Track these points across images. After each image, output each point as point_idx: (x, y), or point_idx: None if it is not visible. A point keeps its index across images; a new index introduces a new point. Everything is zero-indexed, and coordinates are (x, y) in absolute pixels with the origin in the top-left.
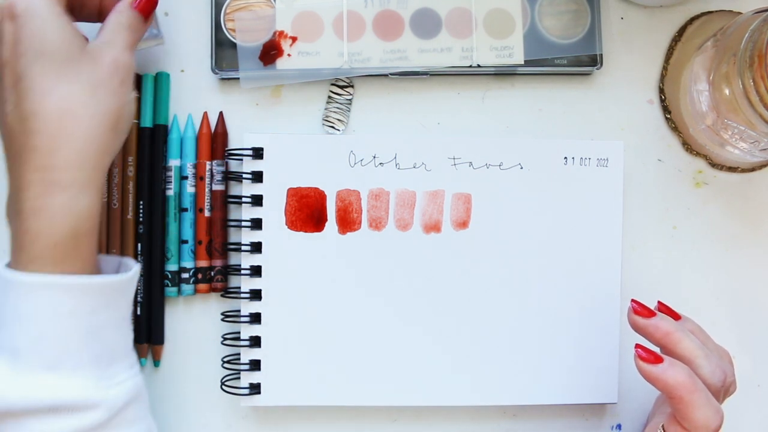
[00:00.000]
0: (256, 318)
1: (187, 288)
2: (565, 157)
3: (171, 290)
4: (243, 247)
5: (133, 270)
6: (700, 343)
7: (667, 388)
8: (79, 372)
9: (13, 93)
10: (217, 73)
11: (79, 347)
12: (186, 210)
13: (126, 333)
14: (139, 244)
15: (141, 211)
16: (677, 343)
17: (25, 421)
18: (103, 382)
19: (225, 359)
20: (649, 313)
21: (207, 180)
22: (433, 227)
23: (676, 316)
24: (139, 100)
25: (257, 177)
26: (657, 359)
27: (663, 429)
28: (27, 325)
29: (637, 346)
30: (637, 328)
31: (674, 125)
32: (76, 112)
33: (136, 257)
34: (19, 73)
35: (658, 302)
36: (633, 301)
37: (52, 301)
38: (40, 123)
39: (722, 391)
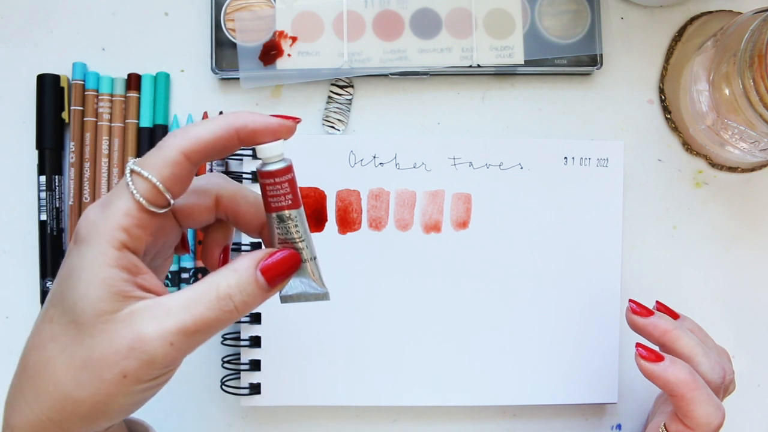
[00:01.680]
0: (256, 318)
1: None
2: (565, 157)
3: (171, 290)
4: (243, 248)
5: None
6: (699, 341)
7: (668, 386)
8: None
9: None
10: (217, 73)
11: None
12: None
13: None
14: None
15: None
16: (676, 341)
17: None
18: None
19: (225, 359)
20: (647, 313)
21: None
22: (433, 227)
23: (674, 315)
24: (138, 100)
25: (257, 177)
26: (658, 357)
27: (665, 427)
28: None
29: (638, 345)
30: (635, 328)
31: (674, 125)
32: (47, 381)
33: None
34: (47, 303)
35: (657, 302)
36: (631, 301)
37: None
38: (23, 370)
39: (722, 388)
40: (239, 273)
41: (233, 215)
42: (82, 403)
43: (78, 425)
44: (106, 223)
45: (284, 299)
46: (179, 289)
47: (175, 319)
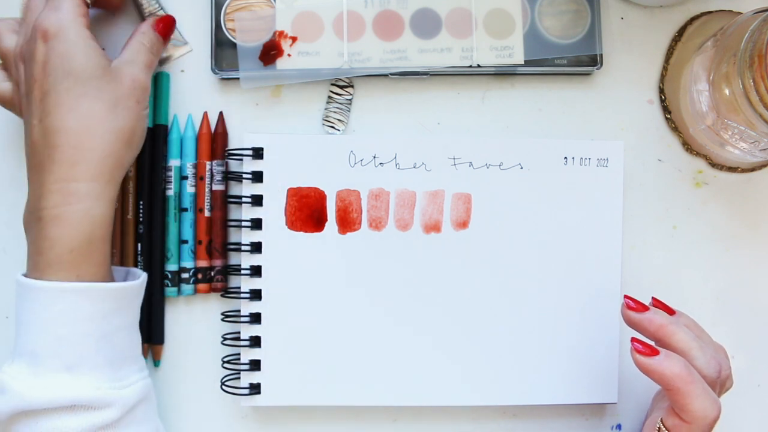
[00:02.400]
0: (256, 318)
1: (187, 288)
2: (565, 157)
3: (171, 290)
4: (243, 247)
5: (141, 278)
6: (694, 336)
7: (664, 380)
8: (95, 373)
9: (39, 108)
10: (217, 73)
11: (95, 350)
12: (186, 210)
13: (136, 338)
14: (139, 244)
15: (141, 211)
16: (671, 336)
17: (43, 419)
18: (116, 383)
19: (225, 359)
20: (642, 308)
21: (207, 180)
22: (433, 227)
23: (670, 311)
24: None
25: (257, 177)
26: (653, 351)
27: (662, 422)
28: (47, 329)
29: (633, 339)
30: (631, 323)
31: (674, 125)
32: (95, 128)
33: (136, 257)
34: (46, 90)
35: (653, 298)
36: (626, 297)
37: (71, 306)
38: (62, 138)
39: (718, 383)
40: (147, 33)
41: None
42: (122, 134)
43: (120, 172)
44: (68, 15)
45: None
46: (179, 289)
47: (140, 62)
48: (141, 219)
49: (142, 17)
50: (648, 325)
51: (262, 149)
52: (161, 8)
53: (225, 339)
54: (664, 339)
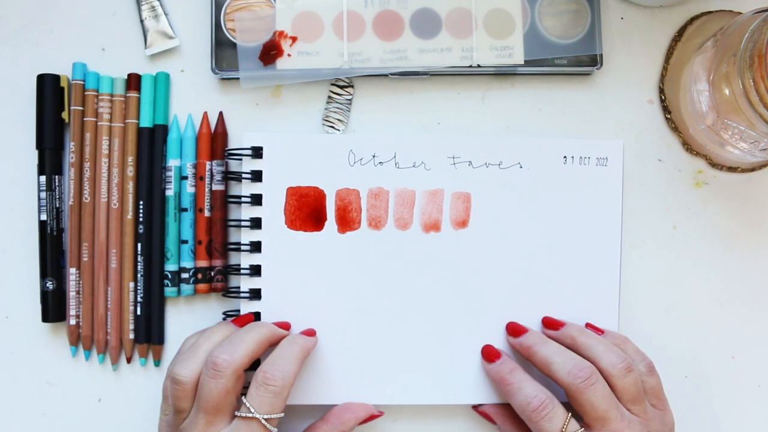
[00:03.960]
0: (256, 318)
1: (187, 288)
2: (565, 157)
3: (171, 290)
4: (243, 247)
5: None
6: (558, 349)
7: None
8: None
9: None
10: (217, 73)
11: None
12: (186, 210)
13: None
14: (139, 244)
15: (141, 211)
16: (534, 355)
17: None
18: None
19: None
20: (520, 332)
21: (207, 180)
22: (433, 226)
23: (555, 325)
24: (138, 100)
25: (257, 176)
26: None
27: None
28: None
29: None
30: (512, 348)
31: (674, 125)
32: None
33: (135, 257)
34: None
35: (543, 318)
36: (508, 325)
37: None
38: None
39: (616, 381)
40: None
41: None
42: None
43: None
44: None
45: None
46: (179, 289)
47: None
48: (141, 219)
49: (142, 17)
50: (519, 349)
51: (261, 148)
52: (161, 7)
53: None
54: (530, 359)
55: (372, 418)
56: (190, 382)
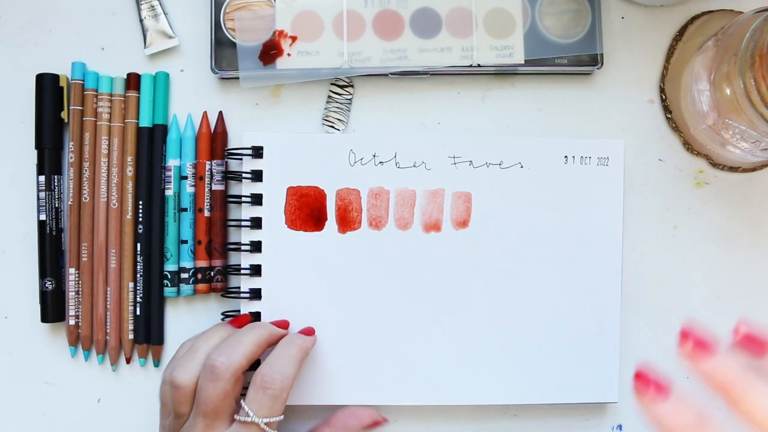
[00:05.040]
0: (256, 318)
1: (187, 288)
2: (566, 156)
3: (170, 290)
4: (243, 247)
5: None
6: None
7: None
8: None
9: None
10: (216, 73)
11: None
12: (185, 210)
13: None
14: (139, 244)
15: (140, 211)
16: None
17: None
18: None
19: None
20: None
21: (206, 180)
22: (433, 226)
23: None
24: (138, 100)
25: (257, 176)
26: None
27: None
28: None
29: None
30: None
31: (675, 125)
32: None
33: (135, 257)
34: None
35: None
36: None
37: None
38: None
39: None
40: None
41: None
42: None
43: None
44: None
45: None
46: (179, 289)
47: None
48: (140, 219)
49: (142, 17)
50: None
51: (261, 148)
52: (160, 7)
53: None
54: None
55: (376, 424)
56: (189, 386)
